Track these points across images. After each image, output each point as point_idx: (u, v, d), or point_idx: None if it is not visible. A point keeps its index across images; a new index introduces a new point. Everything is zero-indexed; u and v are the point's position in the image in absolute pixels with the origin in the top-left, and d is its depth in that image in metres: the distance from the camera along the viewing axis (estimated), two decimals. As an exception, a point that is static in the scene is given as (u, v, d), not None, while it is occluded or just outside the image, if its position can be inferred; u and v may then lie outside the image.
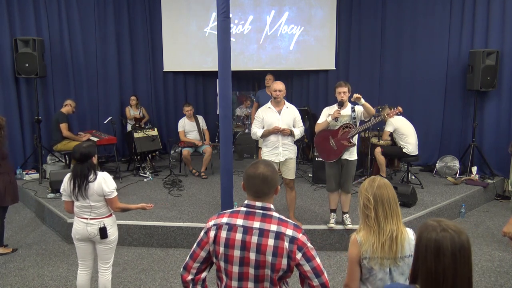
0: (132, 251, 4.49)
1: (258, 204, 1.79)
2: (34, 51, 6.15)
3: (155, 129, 7.07)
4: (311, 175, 6.35)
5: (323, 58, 7.85)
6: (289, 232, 1.73)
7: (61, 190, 3.11)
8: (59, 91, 6.92)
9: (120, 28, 7.65)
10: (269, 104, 4.44)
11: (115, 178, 6.14)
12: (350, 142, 4.23)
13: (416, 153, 5.88)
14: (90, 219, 3.06)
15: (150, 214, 4.86)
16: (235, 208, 1.86)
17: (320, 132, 4.41)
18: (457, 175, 6.39)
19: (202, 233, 1.85)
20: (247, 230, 1.75)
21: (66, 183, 3.06)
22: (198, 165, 6.79)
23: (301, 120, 4.49)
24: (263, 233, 1.73)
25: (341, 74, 7.72)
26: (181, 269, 1.89)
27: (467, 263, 1.45)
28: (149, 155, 7.10)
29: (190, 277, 1.86)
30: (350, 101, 4.35)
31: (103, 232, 3.07)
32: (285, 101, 4.45)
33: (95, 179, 3.02)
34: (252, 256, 1.73)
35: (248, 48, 7.98)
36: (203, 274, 1.88)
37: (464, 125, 6.73)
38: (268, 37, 7.93)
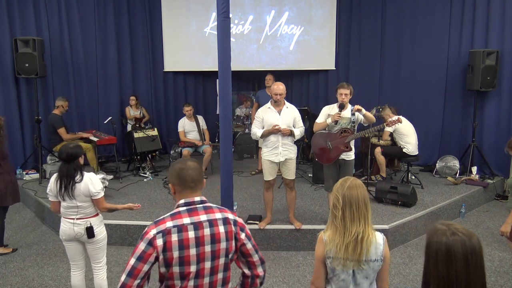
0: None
1: (197, 199, 1.83)
2: (34, 51, 6.15)
3: (155, 129, 7.07)
4: (311, 175, 6.35)
5: (323, 58, 7.85)
6: (231, 216, 1.86)
7: (47, 191, 3.10)
8: (59, 91, 6.91)
9: (120, 28, 7.64)
10: (269, 104, 4.44)
11: (115, 178, 6.22)
12: (347, 147, 4.23)
13: (416, 153, 5.88)
14: (77, 219, 3.06)
15: (150, 214, 4.86)
16: (172, 211, 1.81)
17: (318, 134, 4.41)
18: (457, 175, 6.39)
19: (142, 246, 1.70)
20: (197, 226, 1.76)
21: (52, 184, 3.05)
22: (198, 165, 6.78)
23: (301, 120, 4.48)
24: (212, 223, 1.79)
25: (341, 74, 7.72)
26: None
27: (480, 266, 1.42)
28: (149, 155, 7.10)
29: None
30: (350, 103, 4.35)
31: (90, 232, 3.07)
32: (285, 101, 4.44)
33: (81, 179, 3.01)
34: (208, 248, 1.76)
35: (248, 48, 7.98)
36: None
37: (464, 125, 6.73)
38: (268, 37, 7.93)
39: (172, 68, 8.22)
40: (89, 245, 3.15)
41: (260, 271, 1.92)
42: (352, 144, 4.30)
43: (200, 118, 6.99)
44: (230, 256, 1.83)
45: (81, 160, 3.09)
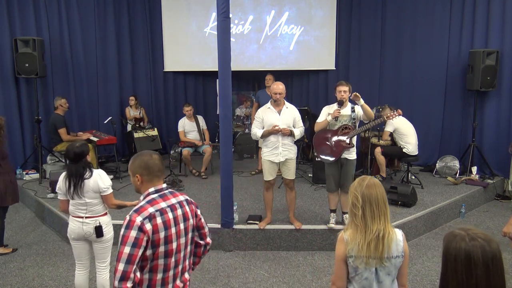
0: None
1: (164, 185, 2.08)
2: (34, 51, 6.15)
3: (155, 129, 7.06)
4: (311, 175, 6.35)
5: (323, 58, 7.85)
6: (187, 197, 2.14)
7: (56, 189, 3.14)
8: (59, 91, 6.91)
9: (120, 28, 7.64)
10: (269, 104, 4.44)
11: (115, 178, 6.22)
12: (349, 143, 4.23)
13: (416, 153, 5.88)
14: (86, 217, 3.07)
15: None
16: (147, 199, 1.99)
17: (319, 132, 4.41)
18: (457, 175, 6.39)
19: (133, 233, 1.83)
20: (172, 208, 2.00)
21: (61, 182, 3.09)
22: (198, 165, 6.79)
23: (301, 120, 4.48)
24: (180, 204, 2.06)
25: (341, 74, 7.72)
26: (117, 282, 1.80)
27: (500, 273, 1.39)
28: (149, 155, 7.08)
29: (130, 284, 1.81)
30: (350, 100, 4.35)
31: (98, 231, 3.08)
32: (285, 101, 4.44)
33: (90, 176, 3.05)
34: (182, 226, 2.02)
35: (248, 48, 7.98)
36: (138, 274, 1.86)
37: (464, 125, 6.73)
38: (268, 37, 7.93)
39: (172, 68, 8.22)
40: (96, 244, 3.16)
41: (209, 240, 2.26)
42: (354, 140, 4.30)
43: (200, 118, 6.99)
44: (194, 230, 2.15)
45: (89, 158, 3.14)
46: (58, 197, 3.15)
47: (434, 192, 5.71)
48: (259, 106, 5.56)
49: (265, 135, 4.36)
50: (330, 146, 4.30)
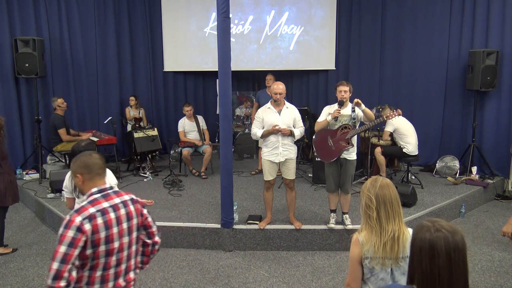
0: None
1: (107, 185, 2.09)
2: (34, 51, 6.15)
3: (155, 129, 7.07)
4: (311, 175, 6.35)
5: (323, 58, 7.85)
6: (133, 196, 2.17)
7: (63, 187, 3.17)
8: (59, 91, 6.91)
9: (120, 28, 7.64)
10: (269, 104, 4.44)
11: (115, 178, 6.22)
12: (349, 143, 4.23)
13: (416, 153, 5.88)
14: None
15: (150, 214, 4.85)
16: (89, 199, 2.00)
17: (319, 132, 4.41)
18: (457, 175, 6.39)
19: (71, 233, 1.84)
20: (115, 208, 2.02)
21: (67, 180, 3.13)
22: (198, 165, 6.79)
23: (301, 120, 4.48)
24: (124, 204, 2.08)
25: (341, 74, 7.72)
26: (50, 281, 1.81)
27: (462, 263, 1.43)
28: (149, 155, 7.10)
29: (63, 283, 1.81)
30: (351, 100, 4.35)
31: None
32: (285, 101, 4.44)
33: None
34: (125, 225, 2.04)
35: (248, 48, 7.98)
36: (74, 273, 1.87)
37: (464, 125, 6.73)
38: (268, 37, 7.93)
39: (172, 68, 8.22)
40: None
41: (157, 239, 2.28)
42: (354, 141, 4.30)
43: (200, 118, 6.99)
44: (139, 229, 2.17)
45: None
46: (65, 195, 3.21)
47: (434, 192, 5.71)
48: (259, 106, 5.55)
49: (265, 135, 4.36)
50: (329, 146, 4.30)
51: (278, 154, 4.34)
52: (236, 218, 4.58)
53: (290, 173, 4.43)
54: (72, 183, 3.08)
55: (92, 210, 1.93)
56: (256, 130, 4.42)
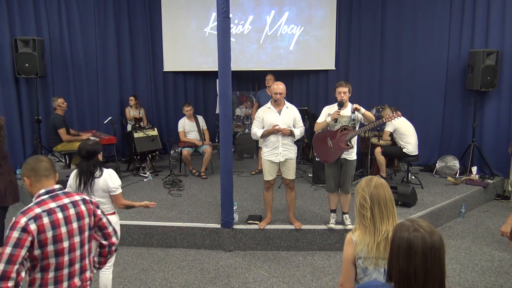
0: (132, 251, 4.50)
1: (57, 186, 2.10)
2: (34, 51, 6.15)
3: (155, 129, 7.07)
4: (311, 175, 6.35)
5: (323, 58, 7.85)
6: (85, 197, 2.17)
7: (67, 187, 3.15)
8: (59, 91, 6.91)
9: (120, 28, 7.64)
10: (269, 104, 4.44)
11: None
12: (348, 145, 4.23)
13: (416, 153, 5.88)
14: None
15: (150, 214, 4.86)
16: (36, 200, 2.01)
17: (319, 133, 4.41)
18: (457, 175, 6.39)
19: (16, 234, 1.86)
20: (63, 208, 2.03)
21: (72, 180, 3.12)
22: (198, 165, 6.79)
23: (301, 120, 4.48)
24: (74, 203, 2.08)
25: (341, 74, 7.72)
26: None
27: (439, 263, 1.45)
28: (149, 155, 7.10)
29: (11, 283, 1.82)
30: (350, 101, 4.35)
31: None
32: (285, 101, 4.44)
33: (101, 175, 3.08)
34: (75, 225, 2.05)
35: (248, 48, 7.98)
36: (23, 273, 1.88)
37: (464, 125, 6.73)
38: (268, 37, 7.93)
39: (172, 68, 8.21)
40: None
41: (114, 240, 2.29)
42: (354, 142, 4.29)
43: (200, 118, 6.99)
44: (92, 230, 2.18)
45: (100, 157, 3.15)
46: None
47: (434, 192, 5.71)
48: (259, 106, 5.55)
49: (265, 135, 4.36)
50: (329, 148, 4.31)
51: (278, 154, 4.34)
52: (236, 218, 4.58)
53: (290, 173, 4.43)
54: (76, 182, 3.08)
55: (38, 210, 1.94)
56: (256, 130, 4.42)
